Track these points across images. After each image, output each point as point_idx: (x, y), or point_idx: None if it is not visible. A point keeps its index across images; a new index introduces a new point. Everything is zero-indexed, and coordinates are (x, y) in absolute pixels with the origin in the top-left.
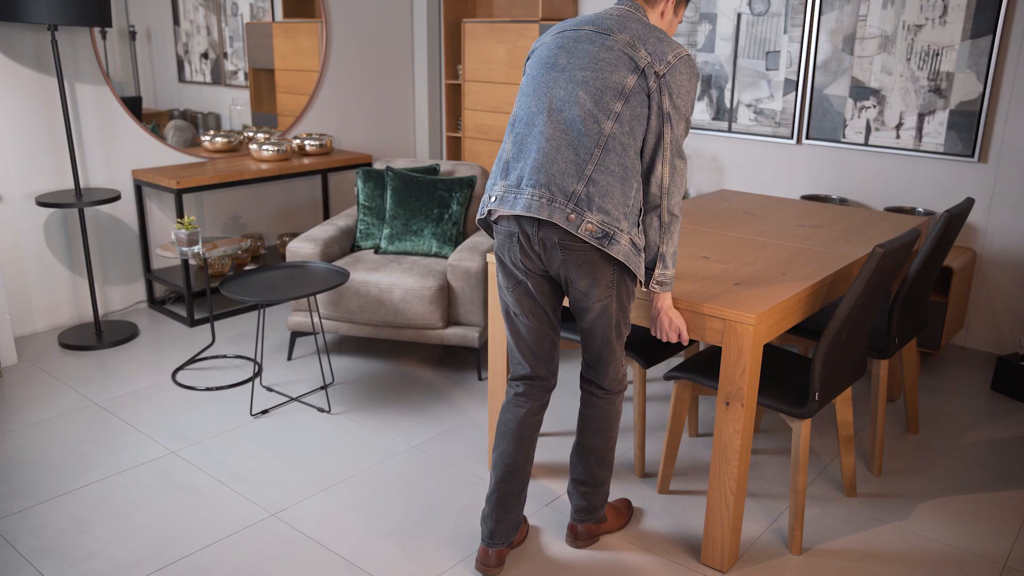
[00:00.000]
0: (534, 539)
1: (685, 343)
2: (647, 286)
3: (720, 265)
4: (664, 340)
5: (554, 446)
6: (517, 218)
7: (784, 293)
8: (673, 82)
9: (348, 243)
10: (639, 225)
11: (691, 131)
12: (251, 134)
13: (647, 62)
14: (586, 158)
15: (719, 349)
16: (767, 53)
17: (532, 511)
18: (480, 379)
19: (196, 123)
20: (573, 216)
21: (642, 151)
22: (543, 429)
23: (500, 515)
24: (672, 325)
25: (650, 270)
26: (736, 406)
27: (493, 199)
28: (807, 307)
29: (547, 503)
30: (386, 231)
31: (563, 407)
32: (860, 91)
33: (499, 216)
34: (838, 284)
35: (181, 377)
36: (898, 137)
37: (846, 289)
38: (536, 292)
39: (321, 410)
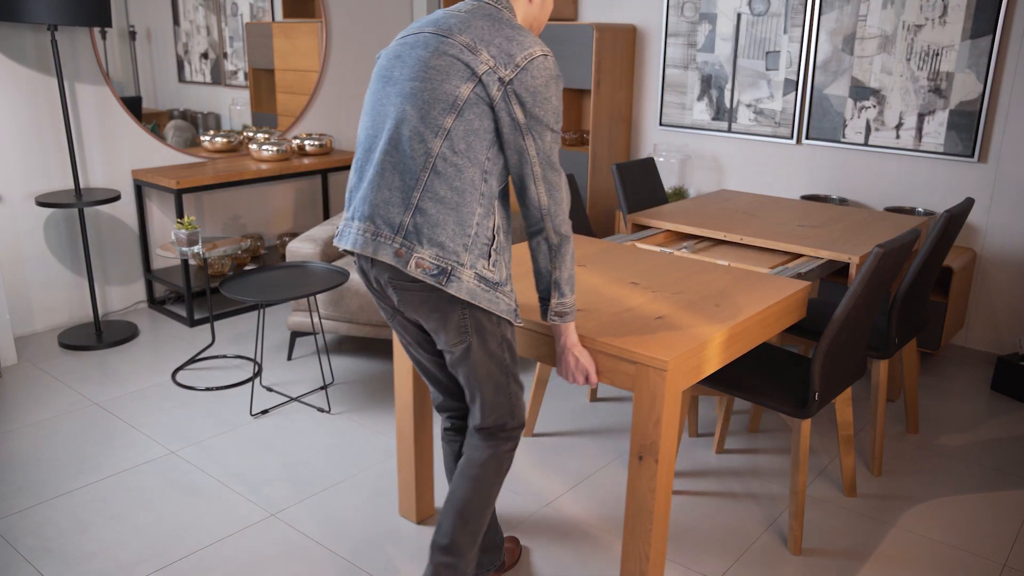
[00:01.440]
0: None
1: (593, 385)
2: (544, 318)
3: (647, 293)
4: (571, 382)
5: (552, 447)
6: (356, 255)
7: (711, 330)
8: (524, 88)
9: None
10: (491, 256)
11: (691, 131)
12: (251, 134)
13: (488, 67)
14: (412, 184)
15: None
16: (767, 53)
17: (531, 513)
18: None
19: (196, 123)
20: (402, 251)
21: (511, 171)
22: (539, 429)
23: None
24: (578, 366)
25: (546, 300)
26: (649, 462)
27: (336, 234)
28: (740, 345)
29: (545, 503)
30: None
31: (563, 407)
32: (860, 91)
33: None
34: (783, 316)
35: (181, 377)
36: (898, 137)
37: (792, 321)
38: (412, 324)
39: (321, 410)
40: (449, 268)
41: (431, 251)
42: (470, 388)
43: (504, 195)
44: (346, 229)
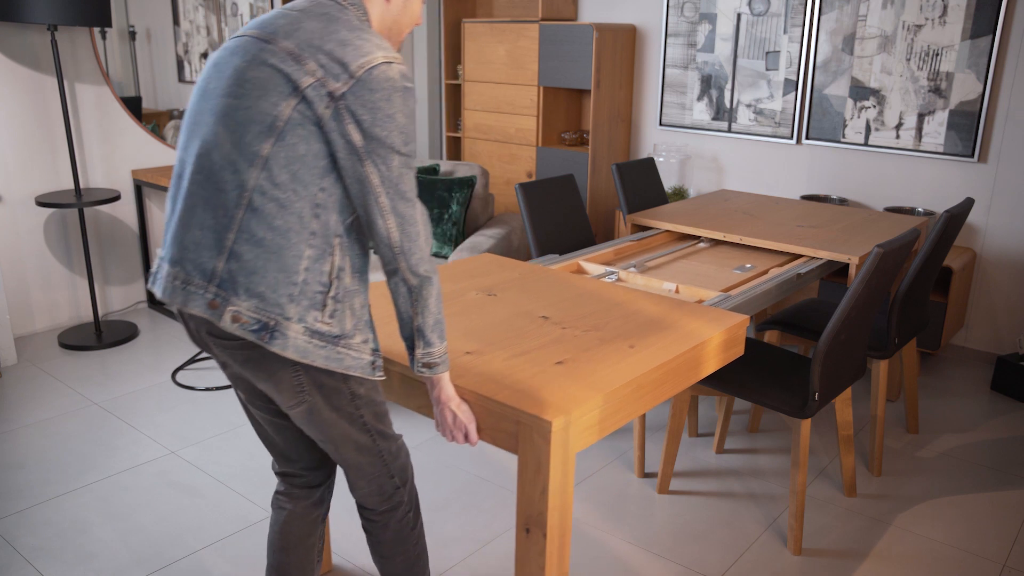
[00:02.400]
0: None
1: (473, 444)
2: (413, 369)
3: (554, 331)
4: (449, 440)
5: None
6: None
7: (617, 380)
8: (360, 104)
9: None
10: (327, 305)
11: (691, 131)
12: None
13: (315, 79)
14: (225, 223)
15: None
16: (767, 53)
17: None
18: None
19: None
20: (216, 302)
21: (354, 203)
22: None
23: None
24: (456, 423)
25: (411, 350)
26: (537, 535)
27: (150, 275)
28: (657, 393)
29: None
30: None
31: None
32: (860, 91)
33: None
34: (714, 356)
35: (181, 377)
36: (898, 137)
37: (727, 360)
38: (243, 379)
39: None
40: (272, 323)
41: (249, 303)
42: (327, 452)
43: (357, 229)
44: (158, 272)
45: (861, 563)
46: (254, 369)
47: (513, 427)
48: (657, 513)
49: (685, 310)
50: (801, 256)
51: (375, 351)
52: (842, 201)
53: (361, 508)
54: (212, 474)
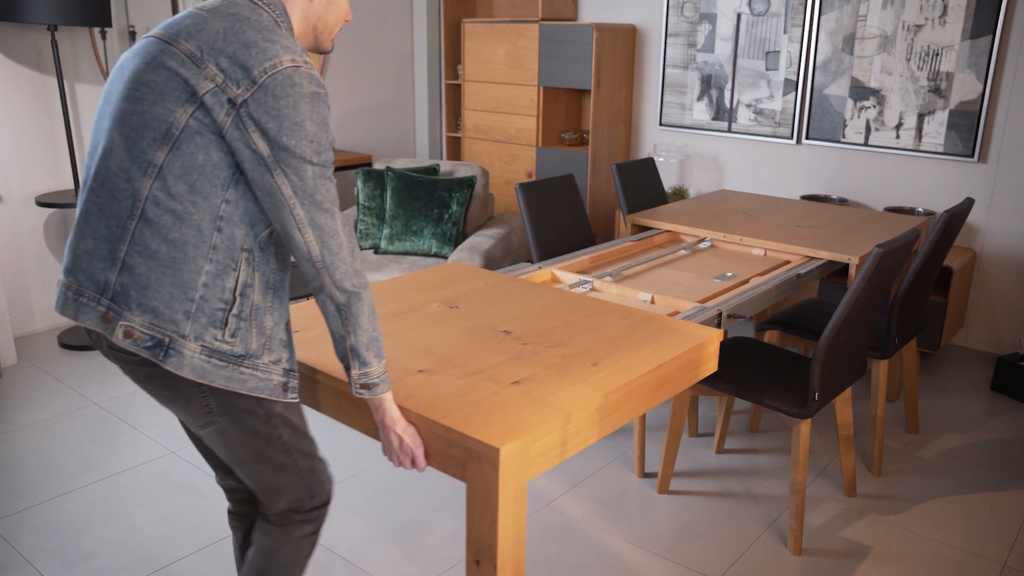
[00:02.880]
0: (554, 534)
1: (421, 470)
2: (352, 390)
3: (514, 347)
4: (396, 466)
5: None
6: None
7: (576, 402)
8: (264, 111)
9: None
10: (228, 323)
11: (691, 131)
12: None
13: (215, 85)
14: (118, 234)
15: (720, 347)
16: (767, 53)
17: (530, 513)
18: None
19: None
20: (109, 316)
21: (268, 216)
22: None
23: None
24: (403, 447)
25: (348, 371)
26: (488, 568)
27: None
28: (621, 414)
29: (545, 503)
30: (386, 231)
31: None
32: (860, 91)
33: None
34: (684, 373)
35: None
36: (898, 137)
37: (698, 377)
38: None
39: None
40: (166, 340)
41: (143, 318)
42: (239, 471)
43: (276, 243)
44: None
45: (861, 563)
46: (157, 387)
47: (461, 454)
48: (657, 513)
49: (656, 324)
50: (788, 263)
51: (289, 371)
52: (842, 201)
53: (264, 519)
54: (212, 474)
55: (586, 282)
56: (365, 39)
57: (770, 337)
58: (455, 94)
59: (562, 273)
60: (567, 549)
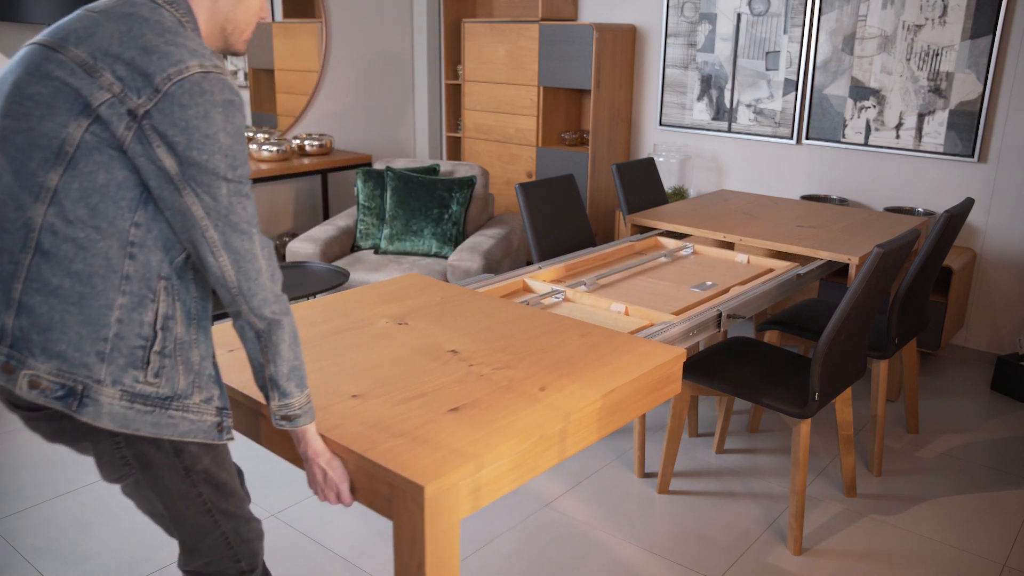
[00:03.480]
0: (538, 538)
1: (347, 505)
2: (272, 421)
3: (460, 369)
4: (321, 500)
5: None
6: None
7: (512, 433)
8: (170, 123)
9: (348, 243)
10: (150, 362)
11: (691, 131)
12: (251, 134)
13: (112, 95)
14: (11, 270)
15: (720, 347)
16: (767, 53)
17: (530, 513)
18: None
19: None
20: (10, 365)
21: (180, 238)
22: None
23: None
24: (328, 480)
25: (268, 400)
26: None
27: None
28: (566, 445)
29: (545, 503)
30: (386, 231)
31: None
32: (860, 91)
33: None
34: (642, 397)
35: None
36: (898, 137)
37: (658, 401)
38: None
39: None
40: (79, 387)
41: (49, 365)
42: (157, 523)
43: (194, 268)
44: None
45: (861, 563)
46: (69, 442)
47: (386, 490)
48: (657, 513)
49: (616, 343)
50: (771, 271)
51: (222, 410)
52: (842, 201)
53: (182, 572)
54: None
55: (558, 291)
56: (365, 39)
57: (770, 337)
58: (455, 94)
59: (534, 282)
60: (567, 549)
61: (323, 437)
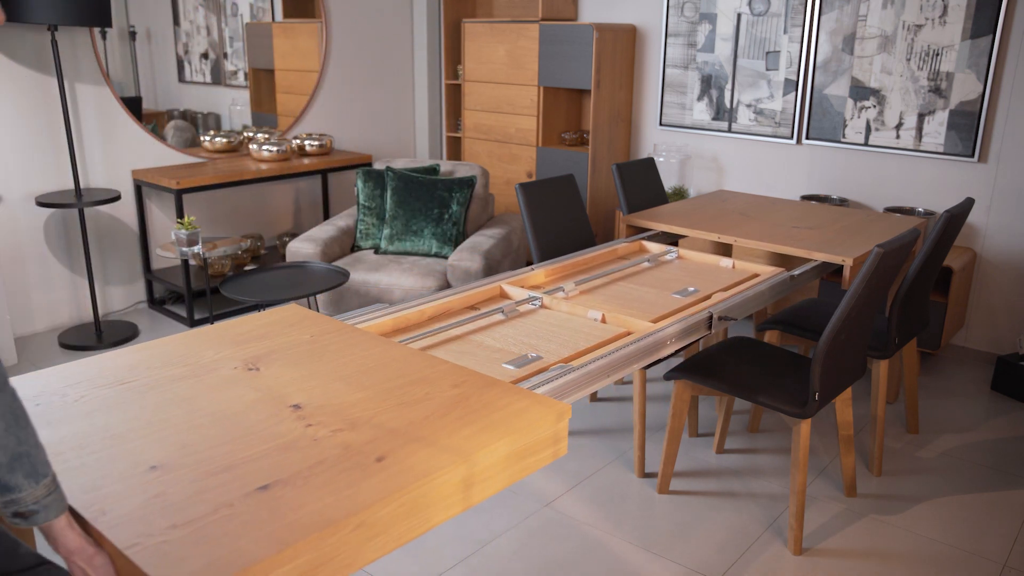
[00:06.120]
0: (537, 537)
1: None
2: (6, 518)
3: (293, 431)
4: None
5: None
6: None
7: (321, 523)
8: None
9: (348, 243)
10: None
11: (691, 131)
12: (251, 134)
13: None
14: None
15: (720, 347)
16: (767, 53)
17: (530, 513)
18: None
19: (196, 123)
20: None
21: None
22: None
23: None
24: None
25: None
26: None
27: None
28: (371, 546)
29: (545, 503)
30: (386, 231)
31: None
32: (860, 91)
33: None
34: (514, 463)
35: None
36: (898, 137)
37: (537, 465)
38: None
39: None
40: None
41: None
42: None
43: None
44: None
45: (861, 563)
46: None
47: None
48: (657, 513)
49: (490, 396)
50: (756, 276)
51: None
52: (842, 201)
53: None
54: None
55: (535, 298)
56: (365, 39)
57: (770, 337)
58: (455, 94)
59: (512, 288)
60: (567, 549)
61: (87, 524)
